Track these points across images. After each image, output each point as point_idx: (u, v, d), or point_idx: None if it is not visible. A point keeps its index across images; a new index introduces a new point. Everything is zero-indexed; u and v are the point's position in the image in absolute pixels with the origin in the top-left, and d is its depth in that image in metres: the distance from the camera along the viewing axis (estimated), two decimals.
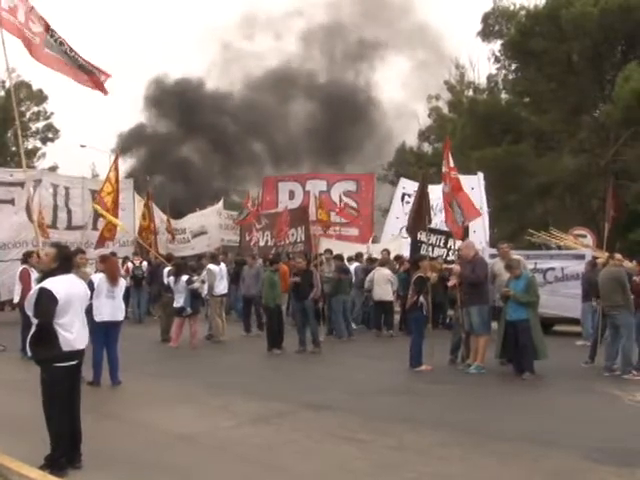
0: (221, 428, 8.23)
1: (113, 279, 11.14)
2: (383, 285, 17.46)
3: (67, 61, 11.69)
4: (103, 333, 10.90)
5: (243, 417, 8.80)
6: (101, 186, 17.86)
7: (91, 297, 10.18)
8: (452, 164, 14.52)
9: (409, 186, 23.33)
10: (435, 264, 16.40)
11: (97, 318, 10.73)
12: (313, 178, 26.58)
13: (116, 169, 16.95)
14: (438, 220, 21.19)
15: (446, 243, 19.11)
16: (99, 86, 11.99)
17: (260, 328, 17.43)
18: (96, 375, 10.93)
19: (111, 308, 10.99)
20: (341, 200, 24.62)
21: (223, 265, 17.56)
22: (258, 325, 17.80)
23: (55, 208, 21.43)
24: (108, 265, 11.46)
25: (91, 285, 10.55)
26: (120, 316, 11.21)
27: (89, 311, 10.23)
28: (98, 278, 11.07)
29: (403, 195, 23.77)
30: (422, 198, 14.71)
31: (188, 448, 7.39)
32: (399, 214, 23.52)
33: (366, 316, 19.42)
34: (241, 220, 24.34)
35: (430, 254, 17.88)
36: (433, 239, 18.69)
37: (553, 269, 17.19)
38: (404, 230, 22.11)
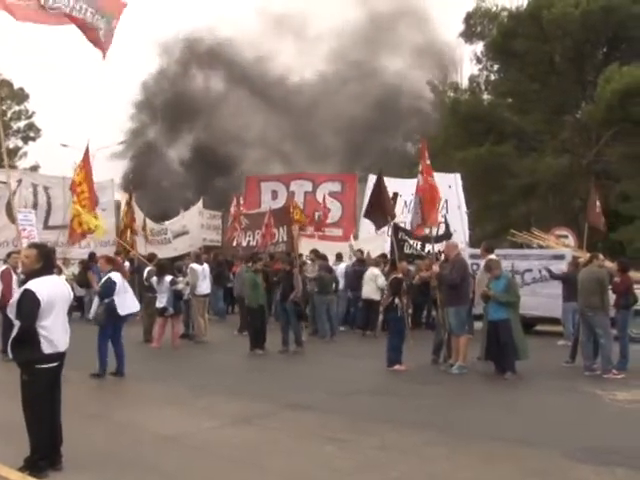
0: (204, 429, 8.20)
1: (125, 276, 12.33)
2: (371, 283, 17.46)
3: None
4: (113, 328, 11.66)
5: (226, 418, 8.77)
6: (73, 176, 17.55)
7: (111, 294, 11.36)
8: (427, 163, 14.54)
9: None
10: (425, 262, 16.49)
11: (122, 312, 11.59)
12: (298, 179, 26.51)
13: (86, 158, 16.62)
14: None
15: (423, 248, 19.09)
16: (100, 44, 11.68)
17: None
18: (102, 365, 11.45)
19: (132, 301, 11.97)
20: (324, 200, 24.53)
21: (206, 265, 17.49)
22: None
23: (35, 208, 21.21)
24: (116, 265, 12.62)
25: (113, 284, 11.56)
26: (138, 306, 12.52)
27: (112, 308, 11.39)
28: (117, 276, 11.80)
29: None
30: (381, 193, 14.73)
31: (171, 449, 7.36)
32: None
33: (350, 317, 19.43)
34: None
35: (414, 253, 17.93)
36: (411, 242, 18.69)
37: (531, 270, 17.23)
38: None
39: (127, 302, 11.77)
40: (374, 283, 17.33)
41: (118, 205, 25.27)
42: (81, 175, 16.15)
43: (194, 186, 49.76)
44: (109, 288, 11.52)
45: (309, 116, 49.01)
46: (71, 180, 17.72)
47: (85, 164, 16.31)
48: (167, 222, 26.38)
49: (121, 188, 44.35)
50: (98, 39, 11.34)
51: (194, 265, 16.63)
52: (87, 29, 11.23)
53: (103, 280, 11.89)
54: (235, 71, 52.13)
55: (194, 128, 52.42)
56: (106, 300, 11.46)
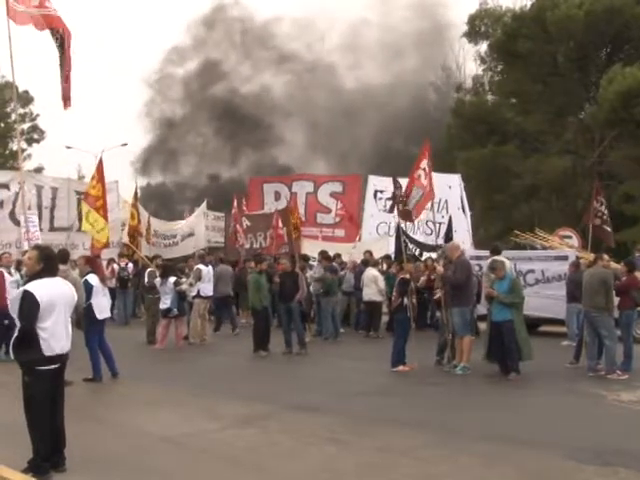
0: (206, 430, 8.20)
1: (103, 278, 12.04)
2: (372, 285, 17.46)
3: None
4: (97, 331, 11.47)
5: (228, 419, 8.77)
6: (88, 187, 17.59)
7: (89, 298, 11.10)
8: (425, 165, 14.52)
9: (379, 183, 23.25)
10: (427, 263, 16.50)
11: (100, 316, 11.42)
12: (299, 179, 26.54)
13: (100, 170, 16.60)
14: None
15: (421, 254, 19.06)
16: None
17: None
18: (97, 371, 11.35)
19: (107, 305, 11.81)
20: (339, 206, 24.54)
21: (210, 267, 17.52)
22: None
23: (39, 209, 21.26)
24: (95, 266, 12.11)
25: (90, 287, 11.27)
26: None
27: (90, 312, 11.21)
28: (94, 279, 11.51)
29: (375, 192, 23.63)
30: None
31: (173, 451, 7.36)
32: (373, 212, 23.45)
33: (354, 318, 19.44)
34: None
35: (415, 254, 17.90)
36: (410, 246, 18.69)
37: (533, 271, 17.19)
38: (381, 227, 22.15)
39: (104, 306, 11.64)
40: (374, 285, 17.34)
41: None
42: (97, 188, 16.12)
43: (226, 156, 50.95)
44: (87, 291, 11.25)
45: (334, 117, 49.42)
46: (84, 192, 17.67)
47: (100, 176, 16.31)
48: (174, 224, 26.35)
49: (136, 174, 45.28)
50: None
51: (200, 266, 16.68)
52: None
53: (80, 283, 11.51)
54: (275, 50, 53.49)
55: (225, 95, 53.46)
56: (84, 304, 11.14)
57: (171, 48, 55.05)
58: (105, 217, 15.74)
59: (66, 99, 12.38)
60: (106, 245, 16.30)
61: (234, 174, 51.43)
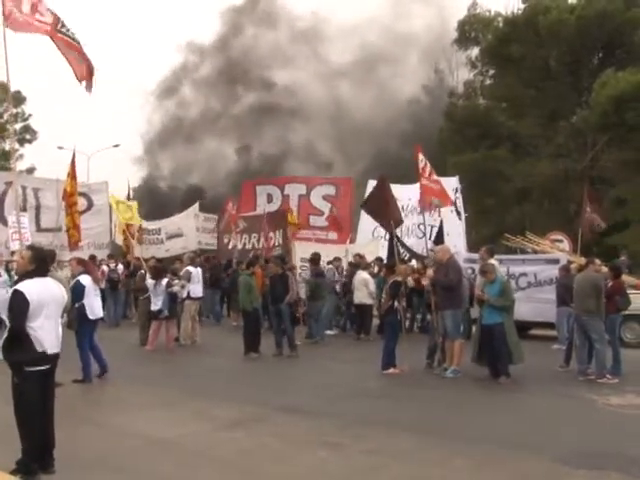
0: (197, 433, 8.17)
1: (96, 279, 12.19)
2: (362, 288, 17.47)
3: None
4: (89, 331, 11.51)
5: (219, 422, 8.75)
6: (65, 184, 17.54)
7: (81, 298, 11.14)
8: (428, 169, 14.53)
9: None
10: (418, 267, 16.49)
11: (92, 316, 11.46)
12: (292, 182, 26.47)
13: (73, 166, 16.50)
14: (409, 222, 21.25)
15: (410, 260, 19.06)
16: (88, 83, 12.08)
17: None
18: (87, 373, 11.34)
19: (99, 306, 11.82)
20: (330, 209, 24.48)
21: (199, 268, 17.47)
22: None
23: (23, 210, 21.11)
24: (89, 267, 12.29)
25: (82, 287, 11.32)
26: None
27: (83, 312, 11.22)
28: (87, 279, 11.55)
29: None
30: (386, 193, 14.56)
31: (164, 453, 7.34)
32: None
33: (344, 320, 19.42)
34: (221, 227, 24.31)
35: (404, 259, 17.85)
36: (401, 250, 18.64)
37: (526, 275, 17.21)
38: (377, 230, 22.11)
39: (96, 307, 11.66)
40: (365, 288, 17.34)
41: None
42: (72, 185, 16.09)
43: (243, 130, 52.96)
44: (78, 291, 11.26)
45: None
46: (63, 188, 17.67)
47: (73, 173, 16.26)
48: (160, 222, 26.22)
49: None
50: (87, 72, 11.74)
51: (190, 268, 16.66)
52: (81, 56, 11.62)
53: (72, 283, 11.55)
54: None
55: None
56: (76, 304, 11.16)
57: (189, 41, 56.31)
58: (73, 215, 15.73)
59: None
60: (74, 245, 16.36)
61: (266, 149, 52.48)
